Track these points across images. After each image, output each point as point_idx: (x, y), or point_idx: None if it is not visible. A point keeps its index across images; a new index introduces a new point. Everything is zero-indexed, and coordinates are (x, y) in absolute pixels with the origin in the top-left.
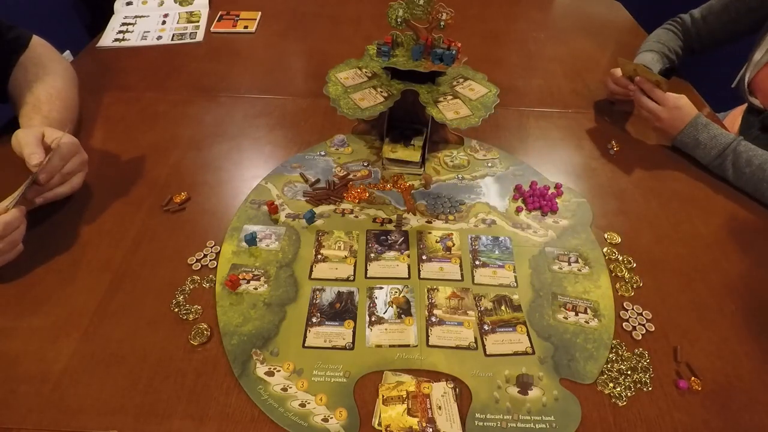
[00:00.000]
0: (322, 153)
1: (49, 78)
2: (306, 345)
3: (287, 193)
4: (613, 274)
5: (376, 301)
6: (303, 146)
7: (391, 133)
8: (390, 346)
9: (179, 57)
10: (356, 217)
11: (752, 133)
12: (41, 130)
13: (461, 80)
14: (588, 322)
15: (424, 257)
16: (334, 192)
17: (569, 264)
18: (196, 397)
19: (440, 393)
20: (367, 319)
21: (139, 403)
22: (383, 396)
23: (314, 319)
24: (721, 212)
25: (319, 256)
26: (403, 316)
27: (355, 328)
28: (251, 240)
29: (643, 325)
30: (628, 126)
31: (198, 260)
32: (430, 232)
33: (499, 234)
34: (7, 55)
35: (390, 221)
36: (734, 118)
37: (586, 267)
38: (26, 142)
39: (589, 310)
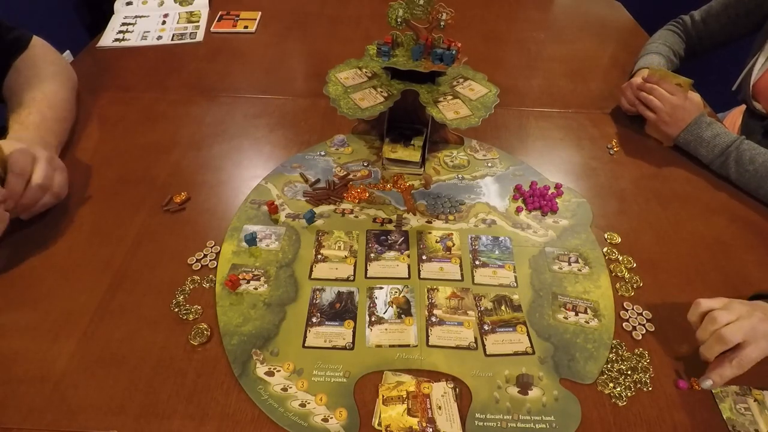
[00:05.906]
0: (322, 153)
1: (39, 82)
2: (306, 345)
3: (287, 193)
4: (613, 274)
5: (376, 301)
6: (303, 146)
7: (391, 133)
8: (390, 346)
9: (179, 57)
10: (356, 217)
11: (754, 139)
12: None
13: (461, 80)
14: (588, 322)
15: (424, 257)
16: (334, 192)
17: (569, 264)
18: (196, 397)
19: (440, 393)
20: (367, 319)
21: (139, 403)
22: (383, 396)
23: (314, 319)
24: (721, 212)
25: (319, 256)
26: (403, 316)
27: (355, 328)
28: (251, 240)
29: (643, 325)
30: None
31: (198, 260)
32: (430, 232)
33: (499, 234)
34: (4, 58)
35: (390, 221)
36: (733, 119)
37: (586, 267)
38: None
39: (589, 310)
